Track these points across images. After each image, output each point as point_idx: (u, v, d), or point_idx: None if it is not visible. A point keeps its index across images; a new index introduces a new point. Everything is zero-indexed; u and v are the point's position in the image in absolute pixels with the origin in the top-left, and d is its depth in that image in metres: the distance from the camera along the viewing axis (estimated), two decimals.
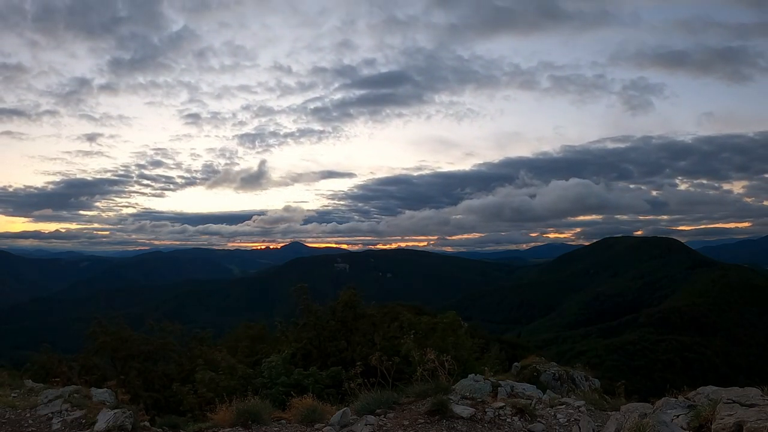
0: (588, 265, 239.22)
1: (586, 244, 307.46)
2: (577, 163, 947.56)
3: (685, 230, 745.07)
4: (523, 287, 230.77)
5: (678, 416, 4.79)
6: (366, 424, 6.41)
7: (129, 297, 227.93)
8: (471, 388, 8.29)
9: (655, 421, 4.30)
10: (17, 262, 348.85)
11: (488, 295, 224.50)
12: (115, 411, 6.56)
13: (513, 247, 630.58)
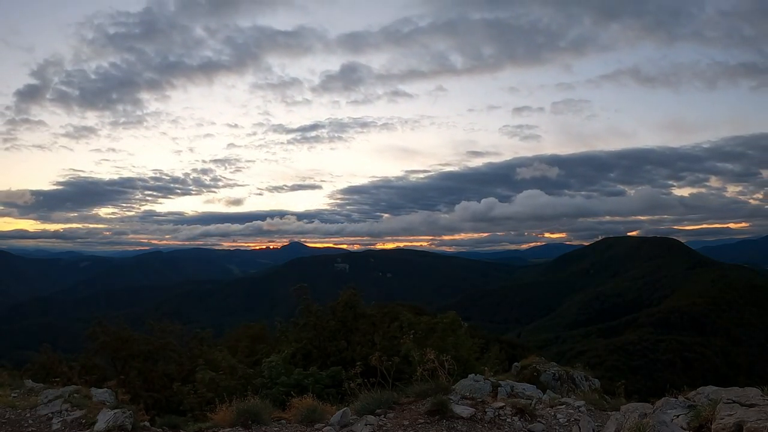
0: (588, 265, 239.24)
1: (586, 244, 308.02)
2: (509, 176, 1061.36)
3: (685, 230, 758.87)
4: (523, 287, 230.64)
5: (678, 416, 4.79)
6: (366, 424, 6.40)
7: (129, 297, 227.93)
8: (471, 388, 8.30)
9: (655, 421, 4.30)
10: (17, 262, 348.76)
11: (488, 295, 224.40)
12: (115, 411, 6.56)
13: (513, 247, 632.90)
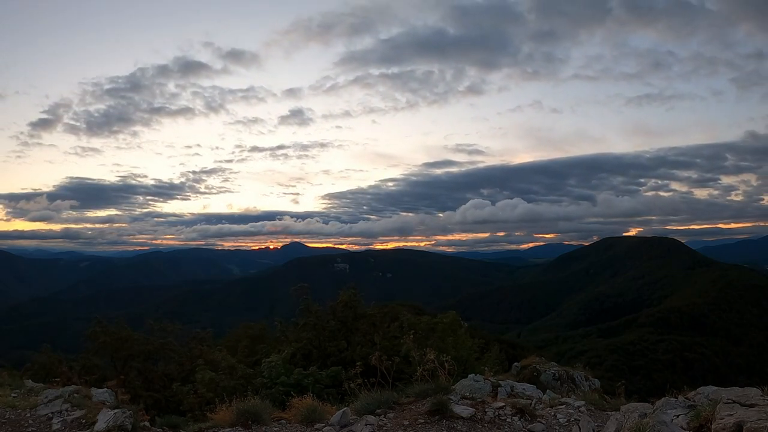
0: (588, 265, 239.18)
1: (586, 244, 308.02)
2: (473, 183, 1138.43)
3: (684, 230, 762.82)
4: (523, 287, 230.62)
5: (678, 416, 4.79)
6: (366, 424, 6.40)
7: (129, 297, 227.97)
8: (471, 388, 8.30)
9: (655, 421, 4.30)
10: (17, 262, 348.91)
11: (488, 295, 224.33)
12: (115, 411, 6.55)
13: (513, 247, 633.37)
